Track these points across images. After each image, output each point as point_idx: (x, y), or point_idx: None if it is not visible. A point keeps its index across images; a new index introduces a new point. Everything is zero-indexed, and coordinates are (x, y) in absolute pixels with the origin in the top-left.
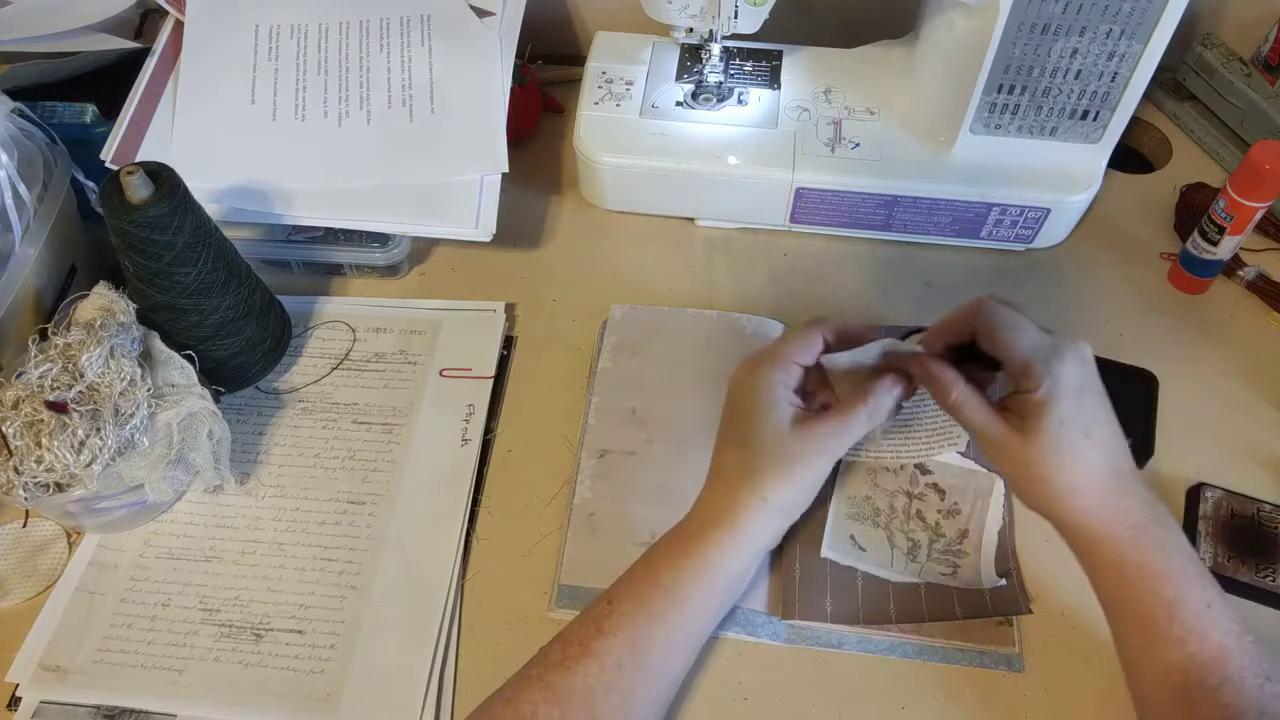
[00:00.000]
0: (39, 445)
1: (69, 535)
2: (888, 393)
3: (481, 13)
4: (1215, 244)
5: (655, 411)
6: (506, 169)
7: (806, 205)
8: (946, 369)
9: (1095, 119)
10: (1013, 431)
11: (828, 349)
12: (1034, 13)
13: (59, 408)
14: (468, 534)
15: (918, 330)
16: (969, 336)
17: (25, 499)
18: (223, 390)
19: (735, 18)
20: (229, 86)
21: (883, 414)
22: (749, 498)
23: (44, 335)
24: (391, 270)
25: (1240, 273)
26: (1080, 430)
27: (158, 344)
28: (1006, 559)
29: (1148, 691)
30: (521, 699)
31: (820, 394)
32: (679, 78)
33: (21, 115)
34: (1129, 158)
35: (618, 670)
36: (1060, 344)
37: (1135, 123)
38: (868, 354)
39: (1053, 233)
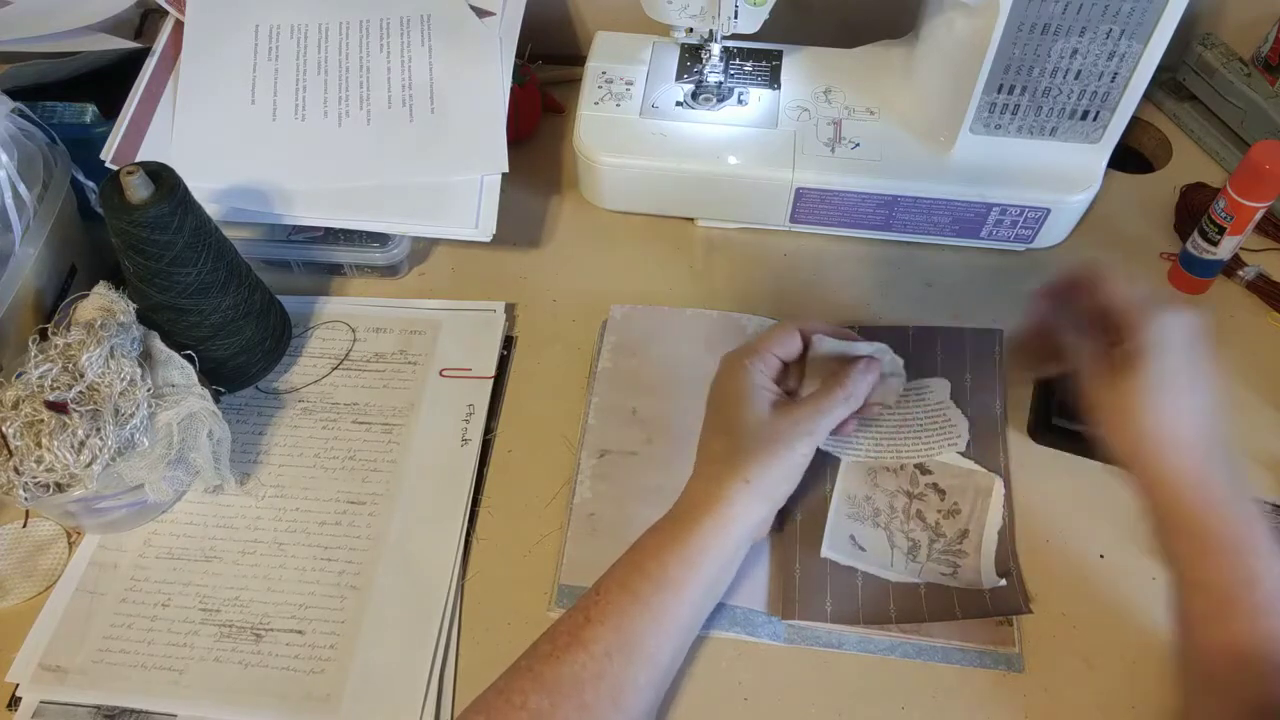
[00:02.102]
0: (39, 445)
1: (69, 535)
2: (862, 376)
3: (481, 13)
4: (1215, 244)
5: (655, 411)
6: (506, 169)
7: (806, 205)
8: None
9: (1095, 119)
10: (1120, 372)
11: (805, 346)
12: (1034, 13)
13: (59, 408)
14: (468, 534)
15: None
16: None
17: (25, 499)
18: (223, 390)
19: (735, 18)
20: (229, 86)
21: (859, 398)
22: (731, 479)
23: (44, 335)
24: (391, 270)
25: (1240, 273)
26: (1183, 385)
27: (158, 344)
28: (1006, 559)
29: (1208, 665)
30: (513, 689)
31: (800, 388)
32: (679, 78)
33: (21, 115)
34: (1129, 158)
35: (606, 658)
36: (1168, 304)
37: (1135, 123)
38: (853, 349)
39: (1053, 233)
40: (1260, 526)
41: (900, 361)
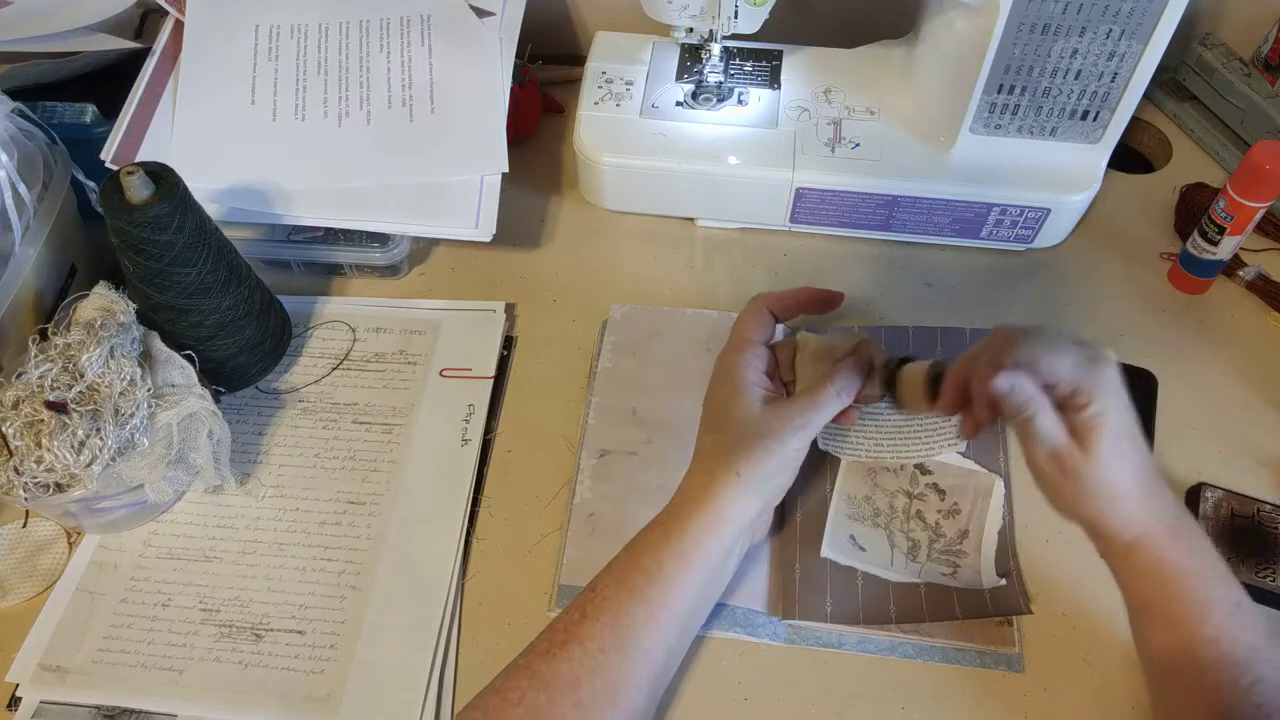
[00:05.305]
0: (39, 445)
1: (69, 535)
2: (851, 371)
3: (481, 13)
4: (1215, 244)
5: (655, 411)
6: (506, 169)
7: (806, 205)
8: (1027, 380)
9: (1095, 119)
10: (1074, 445)
11: (775, 321)
12: (1034, 13)
13: (59, 408)
14: (468, 534)
15: (906, 360)
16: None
17: (25, 499)
18: (223, 390)
19: (735, 18)
20: (229, 86)
21: (851, 392)
22: (722, 473)
23: (44, 335)
24: (391, 270)
25: (1240, 273)
26: (1126, 438)
27: (158, 344)
28: (1006, 559)
29: (1178, 694)
30: (510, 687)
31: (794, 385)
32: (679, 78)
33: (21, 115)
34: (1129, 158)
35: (601, 654)
36: (1098, 356)
37: (1135, 123)
38: (843, 340)
39: (1053, 233)
40: (1205, 551)
41: (885, 353)
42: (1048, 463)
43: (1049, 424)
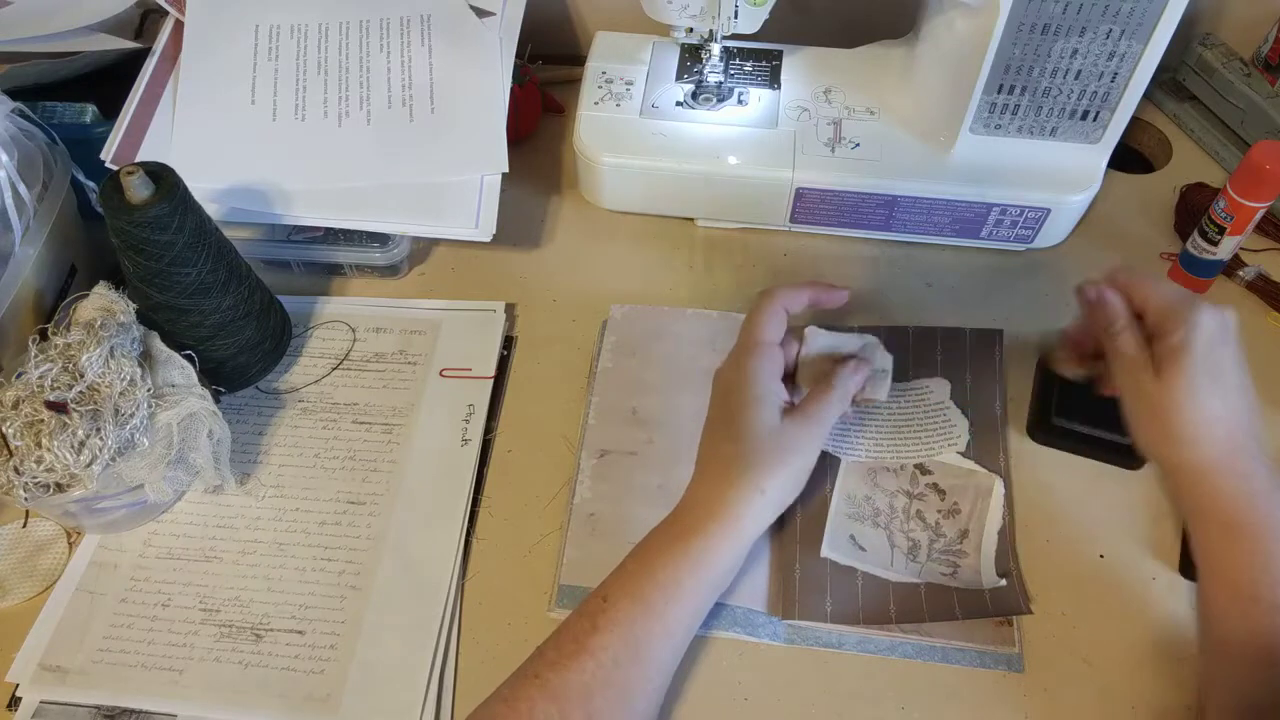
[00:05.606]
0: (39, 445)
1: (69, 535)
2: (851, 376)
3: (481, 13)
4: (1215, 244)
5: (655, 411)
6: (506, 169)
7: (806, 205)
8: (1117, 298)
9: (1095, 119)
10: (1151, 370)
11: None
12: (1034, 13)
13: (59, 408)
14: (468, 534)
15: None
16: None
17: (25, 499)
18: (223, 390)
19: (735, 18)
20: (229, 86)
21: (848, 398)
22: (746, 490)
23: (44, 335)
24: (391, 270)
25: (1240, 273)
26: (1211, 379)
27: (158, 344)
28: (1006, 559)
29: (1232, 655)
30: (519, 697)
31: (794, 385)
32: (679, 78)
33: (21, 115)
34: (1129, 158)
35: (614, 666)
36: (1201, 300)
37: (1135, 123)
38: (849, 342)
39: (1053, 233)
40: None
41: (890, 357)
42: (1124, 383)
43: (1129, 341)
